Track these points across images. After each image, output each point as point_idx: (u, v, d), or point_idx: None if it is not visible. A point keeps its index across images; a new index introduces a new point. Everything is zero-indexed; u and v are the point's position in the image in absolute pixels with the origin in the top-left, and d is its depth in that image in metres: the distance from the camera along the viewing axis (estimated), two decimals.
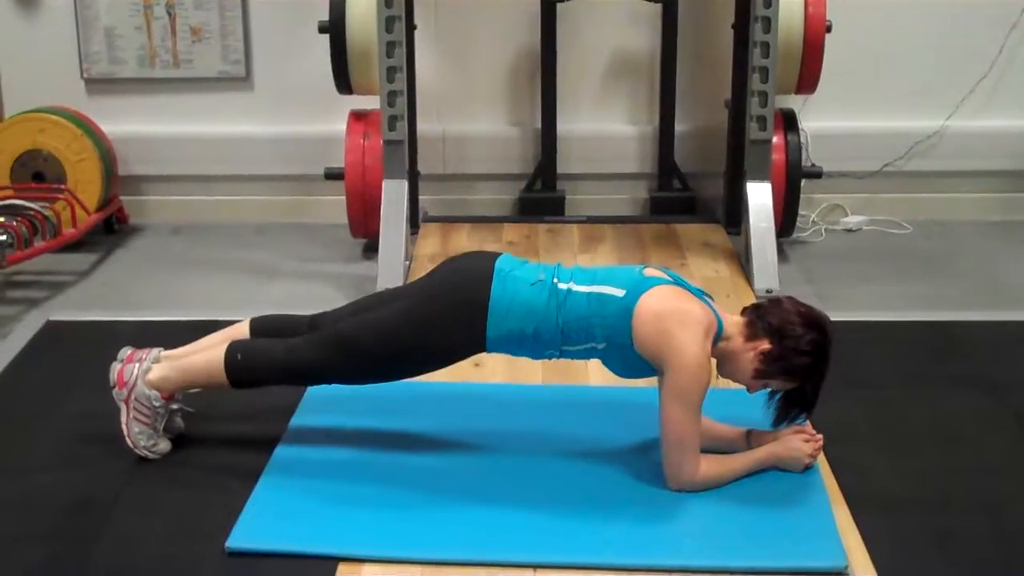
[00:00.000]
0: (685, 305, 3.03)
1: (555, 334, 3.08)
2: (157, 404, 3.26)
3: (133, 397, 3.25)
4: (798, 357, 3.02)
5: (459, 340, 3.14)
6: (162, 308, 4.57)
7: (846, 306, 4.45)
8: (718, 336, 3.06)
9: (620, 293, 3.05)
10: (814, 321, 3.06)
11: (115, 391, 3.28)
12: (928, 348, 4.11)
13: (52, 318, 4.36)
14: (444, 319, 3.12)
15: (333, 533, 2.90)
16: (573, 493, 3.07)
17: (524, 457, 3.26)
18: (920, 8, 5.57)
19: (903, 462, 3.29)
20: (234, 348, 3.25)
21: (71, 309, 4.57)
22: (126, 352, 3.35)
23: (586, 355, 3.14)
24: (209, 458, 3.31)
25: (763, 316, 3.07)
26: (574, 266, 3.22)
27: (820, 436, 3.18)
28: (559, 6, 5.39)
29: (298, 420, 3.45)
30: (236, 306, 4.54)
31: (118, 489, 3.13)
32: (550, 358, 3.17)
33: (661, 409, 3.01)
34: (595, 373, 3.63)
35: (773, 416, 3.12)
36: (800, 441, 3.14)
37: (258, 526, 2.93)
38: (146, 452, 3.27)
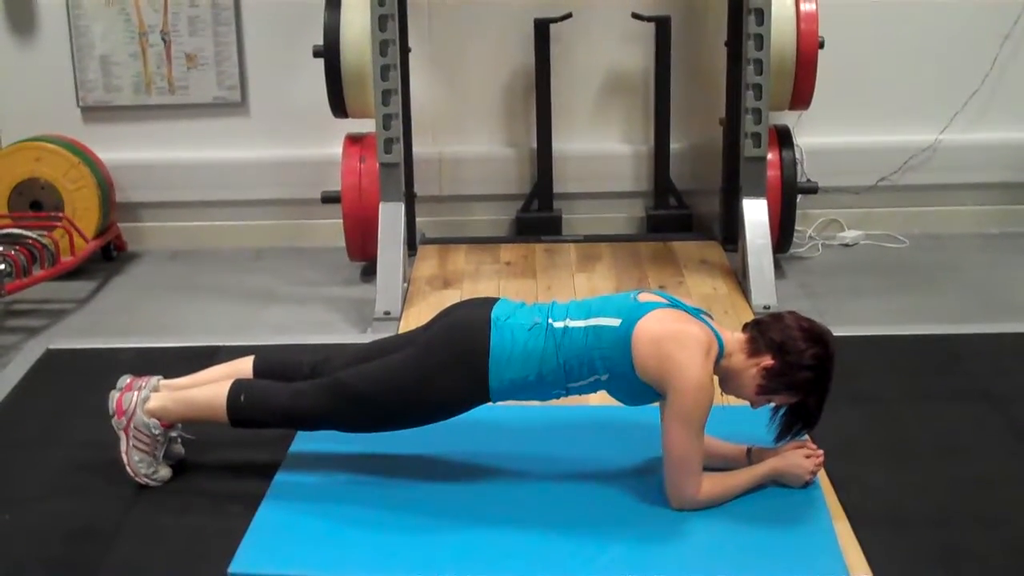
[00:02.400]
0: (683, 327, 3.03)
1: (558, 374, 3.08)
2: (156, 432, 3.26)
3: (132, 426, 3.26)
4: (801, 372, 3.02)
5: (462, 394, 3.15)
6: (161, 335, 4.58)
7: (844, 321, 4.45)
8: (720, 355, 3.06)
9: (616, 323, 3.05)
10: (816, 335, 3.06)
11: (114, 420, 3.28)
12: (927, 361, 4.11)
13: (52, 346, 4.36)
14: (445, 374, 3.13)
15: (335, 557, 2.90)
16: (575, 513, 3.07)
17: (526, 478, 3.26)
18: (913, 22, 5.60)
19: (904, 476, 3.29)
20: (238, 388, 3.25)
21: (70, 337, 4.57)
22: (125, 380, 3.35)
23: (592, 388, 3.14)
24: (210, 484, 3.31)
25: (764, 332, 3.07)
26: (569, 301, 3.23)
27: (821, 452, 3.18)
28: (552, 26, 5.41)
29: (299, 445, 3.45)
30: (235, 331, 4.56)
31: (120, 516, 3.13)
32: (557, 397, 3.17)
33: (664, 430, 3.01)
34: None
35: (776, 432, 3.11)
36: (801, 457, 3.14)
37: (260, 551, 2.93)
38: (146, 480, 3.27)
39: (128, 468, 3.26)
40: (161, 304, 5.06)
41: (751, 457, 3.20)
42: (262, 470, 3.31)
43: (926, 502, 3.15)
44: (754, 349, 3.05)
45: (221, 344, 4.19)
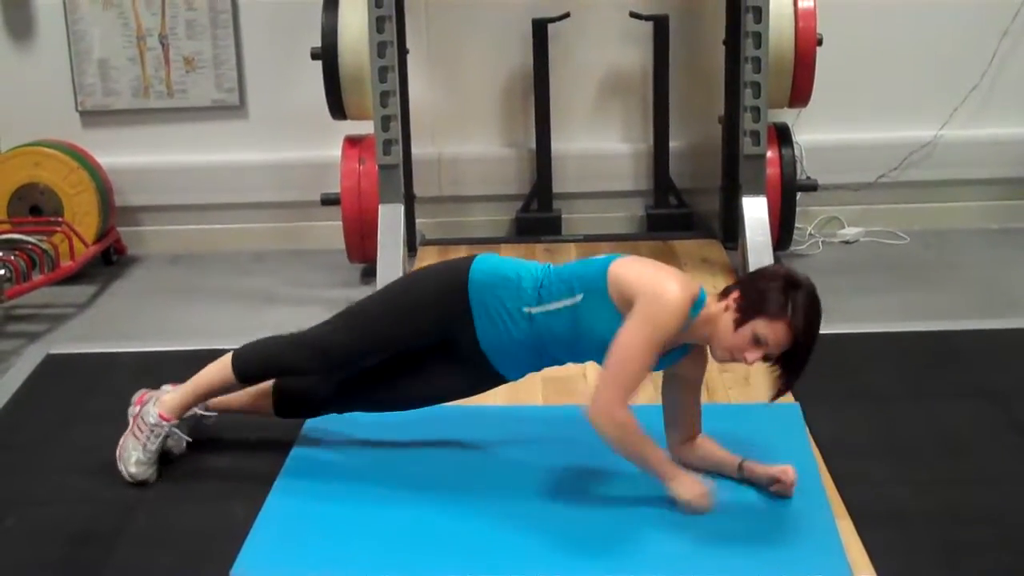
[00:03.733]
0: (667, 267, 3.08)
1: (536, 284, 3.12)
2: (152, 421, 3.30)
3: (140, 414, 3.32)
4: (770, 285, 2.96)
5: (443, 278, 3.23)
6: (162, 338, 4.57)
7: (845, 318, 4.45)
8: (699, 303, 3.02)
9: (602, 256, 3.12)
10: (782, 267, 3.08)
11: (130, 408, 3.38)
12: (928, 358, 4.11)
13: (52, 351, 4.35)
14: (436, 268, 3.34)
15: (338, 558, 2.90)
16: (580, 514, 3.07)
17: (529, 478, 3.26)
18: (911, 18, 5.59)
19: (906, 473, 3.28)
20: (240, 346, 3.38)
21: (71, 342, 4.57)
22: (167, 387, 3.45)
23: (564, 317, 3.08)
24: (212, 487, 3.31)
25: (735, 282, 3.09)
26: None
27: (792, 476, 3.10)
28: (550, 26, 5.40)
29: (301, 446, 3.45)
30: (236, 334, 4.51)
31: (121, 520, 3.13)
32: (528, 321, 3.11)
33: (619, 332, 2.96)
34: None
35: (781, 383, 3.03)
36: (700, 487, 3.04)
37: (263, 553, 2.93)
38: (123, 469, 3.29)
39: (118, 450, 3.32)
40: (161, 308, 5.05)
41: (742, 469, 3.17)
42: (264, 472, 3.31)
43: (928, 499, 3.15)
44: (725, 293, 3.04)
45: (222, 347, 4.15)
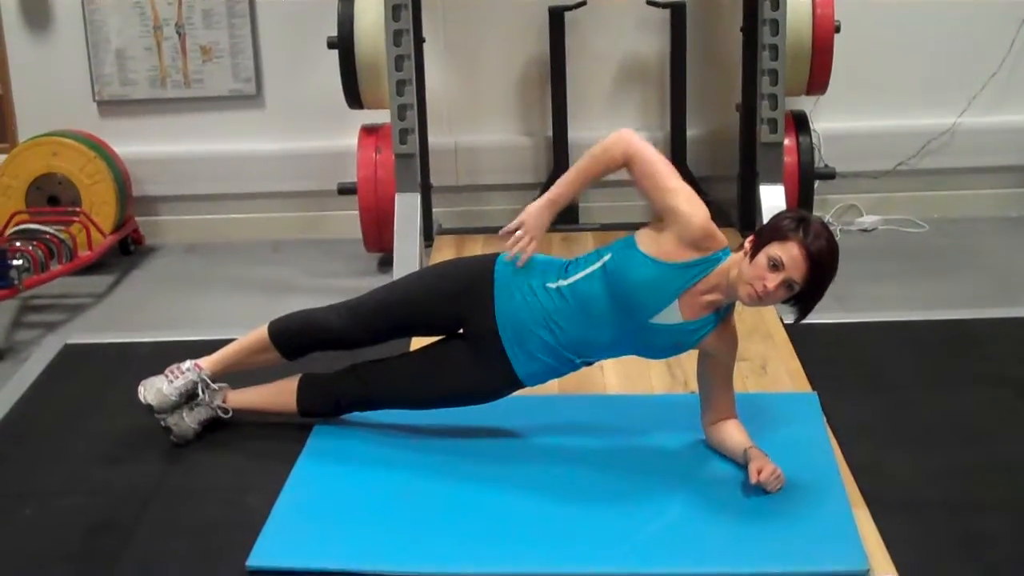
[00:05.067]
0: None
1: (564, 264, 3.30)
2: (186, 367, 3.43)
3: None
4: (780, 218, 3.07)
5: (477, 259, 3.48)
6: (179, 328, 4.58)
7: (864, 306, 4.44)
8: (723, 252, 3.11)
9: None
10: None
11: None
12: (947, 346, 4.09)
13: (70, 341, 4.36)
14: (462, 259, 3.59)
15: (355, 549, 2.90)
16: (594, 502, 3.07)
17: (546, 468, 3.26)
18: (929, 5, 5.57)
19: (924, 462, 3.27)
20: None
21: (88, 331, 4.58)
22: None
23: (593, 283, 3.18)
24: (228, 477, 3.31)
25: None
26: None
27: (757, 477, 3.07)
28: (567, 14, 5.39)
29: (316, 438, 3.45)
30: (253, 324, 4.49)
31: (138, 510, 3.14)
32: (551, 304, 3.23)
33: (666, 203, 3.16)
34: (612, 383, 3.64)
35: (800, 306, 3.08)
36: None
37: (279, 543, 2.93)
38: (142, 393, 3.40)
39: (143, 382, 3.44)
40: (179, 298, 5.07)
41: (747, 454, 3.16)
42: (280, 463, 3.31)
43: (946, 487, 3.14)
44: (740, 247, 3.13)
45: (239, 337, 4.18)
